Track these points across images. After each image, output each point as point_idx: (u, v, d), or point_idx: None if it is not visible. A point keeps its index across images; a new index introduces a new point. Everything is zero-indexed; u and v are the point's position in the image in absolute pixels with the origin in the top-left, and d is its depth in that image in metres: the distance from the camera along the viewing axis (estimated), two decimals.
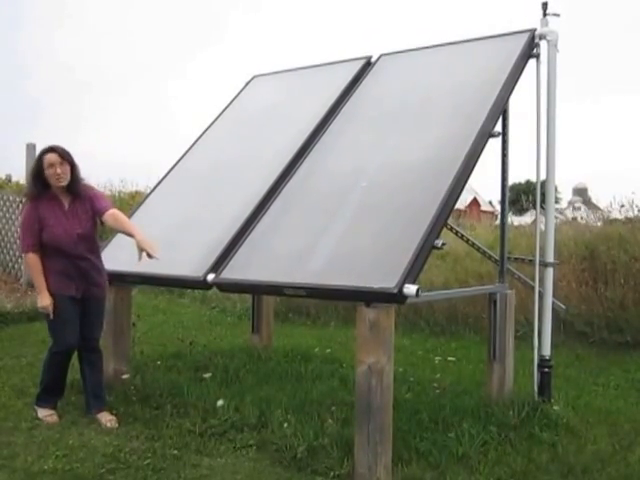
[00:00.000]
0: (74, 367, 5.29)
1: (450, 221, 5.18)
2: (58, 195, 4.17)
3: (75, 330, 4.18)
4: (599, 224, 9.25)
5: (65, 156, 4.10)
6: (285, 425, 3.92)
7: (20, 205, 9.68)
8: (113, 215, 4.14)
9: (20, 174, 10.71)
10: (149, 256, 3.88)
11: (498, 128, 4.24)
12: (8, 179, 14.23)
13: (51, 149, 4.11)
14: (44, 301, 4.09)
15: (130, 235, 4.01)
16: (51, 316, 4.10)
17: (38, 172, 4.12)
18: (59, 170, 4.06)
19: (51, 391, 4.34)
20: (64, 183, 4.12)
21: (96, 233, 4.33)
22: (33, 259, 4.11)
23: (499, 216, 6.45)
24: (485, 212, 28.23)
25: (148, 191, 6.02)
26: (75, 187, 4.18)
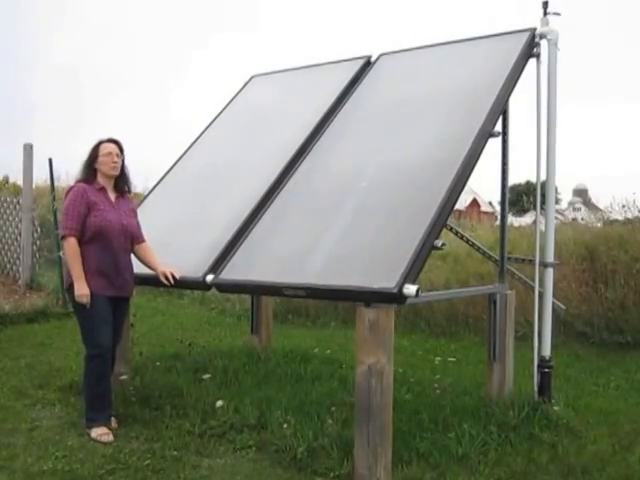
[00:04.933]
0: (72, 369, 5.31)
1: (450, 222, 5.17)
2: (105, 187, 4.20)
3: (110, 331, 4.04)
4: (599, 225, 9.25)
5: (122, 150, 4.24)
6: (285, 426, 3.91)
7: (17, 206, 9.68)
8: (145, 250, 4.34)
9: (18, 175, 10.68)
10: (171, 278, 4.21)
11: (498, 128, 4.23)
12: (5, 180, 14.19)
13: (111, 140, 4.22)
14: (82, 289, 3.94)
15: (153, 269, 4.27)
16: (88, 305, 3.95)
17: (91, 160, 4.17)
18: (115, 159, 4.16)
19: (99, 405, 4.05)
20: (116, 173, 4.20)
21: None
22: (74, 245, 3.97)
23: (499, 217, 6.44)
24: (485, 213, 28.24)
25: (146, 192, 6.01)
26: (122, 184, 4.30)
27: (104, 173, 4.17)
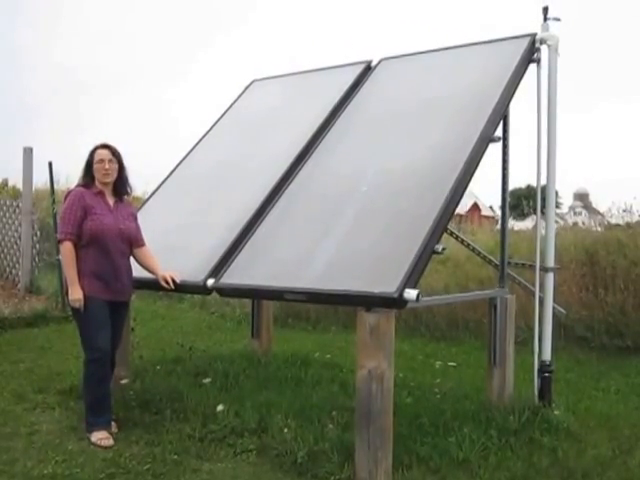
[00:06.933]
0: (72, 373, 5.31)
1: (451, 226, 5.18)
2: (104, 192, 4.20)
3: (108, 335, 4.02)
4: (599, 229, 9.25)
5: (116, 154, 4.21)
6: (285, 430, 3.91)
7: (17, 209, 9.68)
8: (145, 253, 4.34)
9: (17, 178, 10.69)
10: (171, 282, 4.21)
11: (499, 133, 4.25)
12: (5, 183, 14.17)
13: (104, 145, 4.21)
14: (75, 294, 3.95)
15: (154, 273, 4.27)
16: (82, 309, 3.95)
17: (88, 165, 4.19)
18: (107, 166, 4.15)
19: (98, 409, 4.04)
20: (110, 180, 4.19)
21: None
22: (69, 249, 3.98)
23: (499, 221, 6.44)
24: (486, 217, 28.21)
25: (146, 196, 6.01)
26: (120, 188, 4.28)
27: (98, 180, 4.18)
